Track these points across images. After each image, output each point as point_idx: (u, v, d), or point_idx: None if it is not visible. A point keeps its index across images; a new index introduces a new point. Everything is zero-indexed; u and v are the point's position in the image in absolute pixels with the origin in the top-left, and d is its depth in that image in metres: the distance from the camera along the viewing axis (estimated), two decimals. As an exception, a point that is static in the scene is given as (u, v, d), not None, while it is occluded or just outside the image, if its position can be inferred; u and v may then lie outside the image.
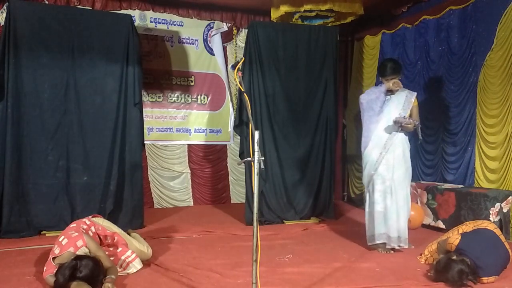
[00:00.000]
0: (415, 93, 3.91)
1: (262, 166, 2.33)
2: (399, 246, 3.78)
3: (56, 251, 2.87)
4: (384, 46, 6.38)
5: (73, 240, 2.89)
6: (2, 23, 4.73)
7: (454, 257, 2.97)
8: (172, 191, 6.39)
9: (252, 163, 2.33)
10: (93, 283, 2.66)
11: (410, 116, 3.80)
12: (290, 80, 5.27)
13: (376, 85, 6.41)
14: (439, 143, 5.34)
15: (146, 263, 3.35)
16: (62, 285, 2.60)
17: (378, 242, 3.80)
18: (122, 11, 5.81)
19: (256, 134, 2.34)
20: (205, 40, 6.56)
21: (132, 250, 3.24)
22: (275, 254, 3.69)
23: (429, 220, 4.83)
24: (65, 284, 2.59)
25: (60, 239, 2.95)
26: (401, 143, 3.81)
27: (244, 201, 5.35)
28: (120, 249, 3.20)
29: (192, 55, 6.48)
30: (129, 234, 3.68)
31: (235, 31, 6.67)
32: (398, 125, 3.73)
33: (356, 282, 2.98)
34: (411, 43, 5.89)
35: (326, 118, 5.37)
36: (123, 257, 3.15)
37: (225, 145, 6.75)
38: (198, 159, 6.54)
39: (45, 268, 2.85)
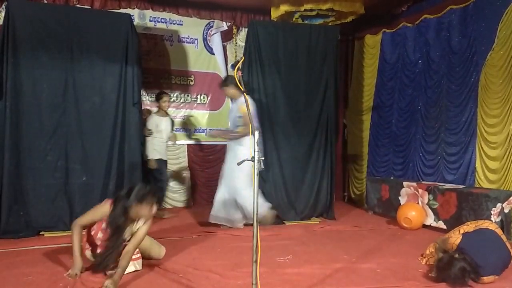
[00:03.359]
0: (243, 100, 4.46)
1: (262, 166, 2.32)
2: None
3: (86, 217, 3.11)
4: (384, 45, 6.36)
5: (102, 204, 3.13)
6: (1, 23, 4.71)
7: (456, 255, 2.95)
8: (172, 192, 6.36)
9: (252, 163, 2.31)
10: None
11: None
12: (290, 80, 5.24)
13: (377, 85, 6.46)
14: (439, 143, 5.33)
15: (145, 263, 3.33)
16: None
17: (218, 222, 4.72)
18: (121, 10, 5.79)
19: (256, 134, 2.32)
20: (204, 39, 6.54)
21: (138, 250, 3.22)
22: (275, 255, 3.66)
23: (430, 220, 4.81)
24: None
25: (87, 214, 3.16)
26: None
27: (244, 201, 5.33)
28: None
29: (192, 54, 6.45)
30: None
31: (235, 30, 6.65)
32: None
33: (357, 283, 2.96)
34: (411, 42, 5.88)
35: (326, 118, 5.35)
36: None
37: (225, 145, 6.70)
38: (198, 159, 6.51)
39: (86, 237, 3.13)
